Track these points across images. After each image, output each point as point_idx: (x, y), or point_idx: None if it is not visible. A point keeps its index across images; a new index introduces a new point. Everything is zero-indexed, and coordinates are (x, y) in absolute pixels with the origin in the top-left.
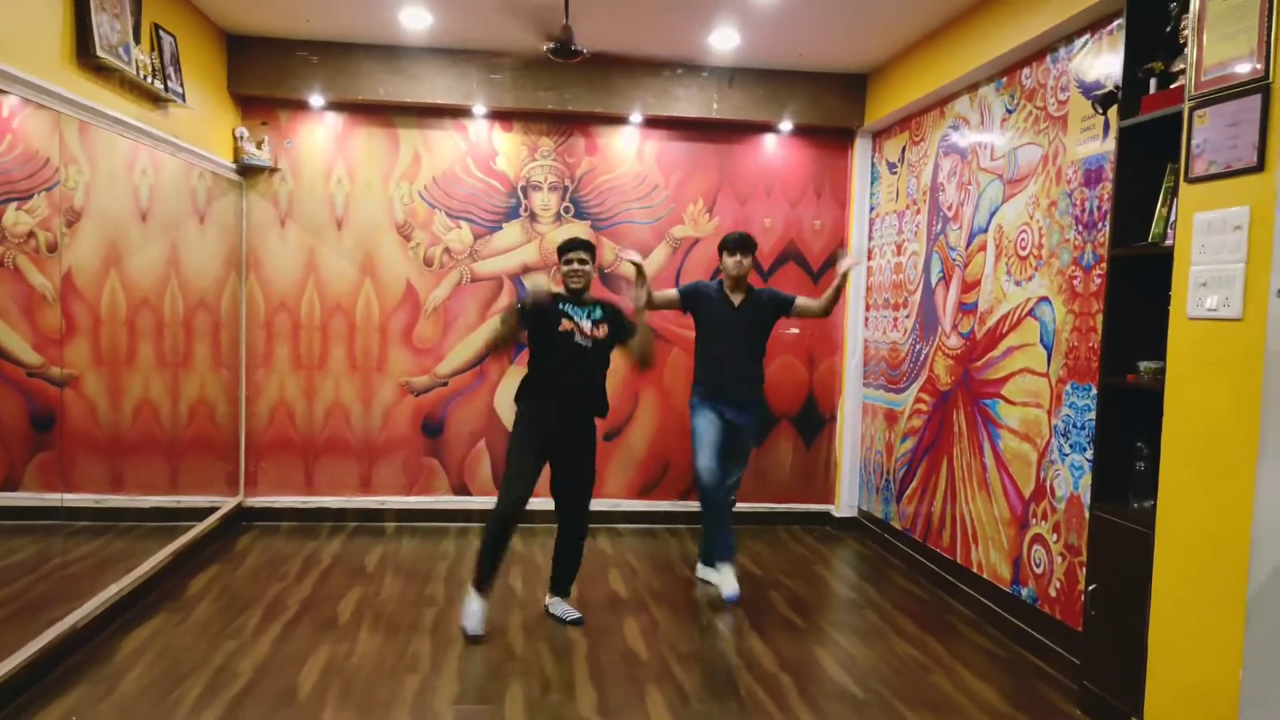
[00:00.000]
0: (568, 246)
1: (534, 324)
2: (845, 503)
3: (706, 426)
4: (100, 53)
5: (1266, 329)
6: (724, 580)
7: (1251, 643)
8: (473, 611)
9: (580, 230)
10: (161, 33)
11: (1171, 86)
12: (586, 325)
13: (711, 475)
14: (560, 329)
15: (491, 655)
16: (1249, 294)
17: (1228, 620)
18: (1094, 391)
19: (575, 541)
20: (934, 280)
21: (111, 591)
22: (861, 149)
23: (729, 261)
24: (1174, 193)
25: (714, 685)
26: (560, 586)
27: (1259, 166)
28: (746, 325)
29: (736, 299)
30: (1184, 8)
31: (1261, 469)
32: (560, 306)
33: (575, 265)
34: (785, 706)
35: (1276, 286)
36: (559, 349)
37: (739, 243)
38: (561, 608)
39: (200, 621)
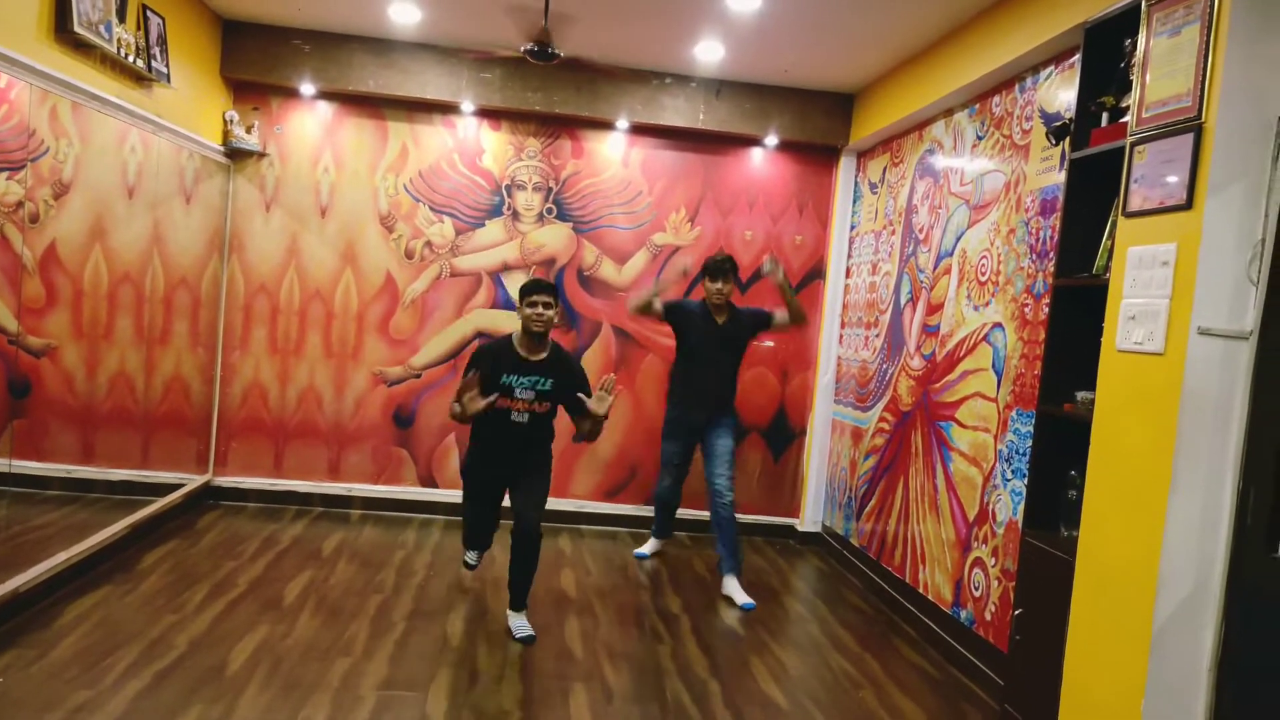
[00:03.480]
0: (533, 288)
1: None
2: (810, 517)
3: (673, 454)
4: (78, 29)
5: (1185, 366)
6: (647, 545)
7: (1154, 674)
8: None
9: (561, 233)
10: (149, 13)
11: (1121, 121)
12: (529, 397)
13: (664, 495)
14: (499, 405)
15: (427, 644)
16: (1171, 330)
17: (1134, 652)
18: None
19: (525, 549)
20: (903, 301)
21: (60, 559)
22: (846, 167)
23: (711, 288)
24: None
25: (641, 687)
26: (515, 599)
27: (1188, 204)
28: (729, 344)
29: (720, 318)
30: (1136, 45)
31: (1172, 506)
32: (504, 379)
33: (540, 309)
34: (707, 711)
35: (1197, 324)
36: (495, 424)
37: (720, 268)
38: (515, 622)
39: (146, 594)
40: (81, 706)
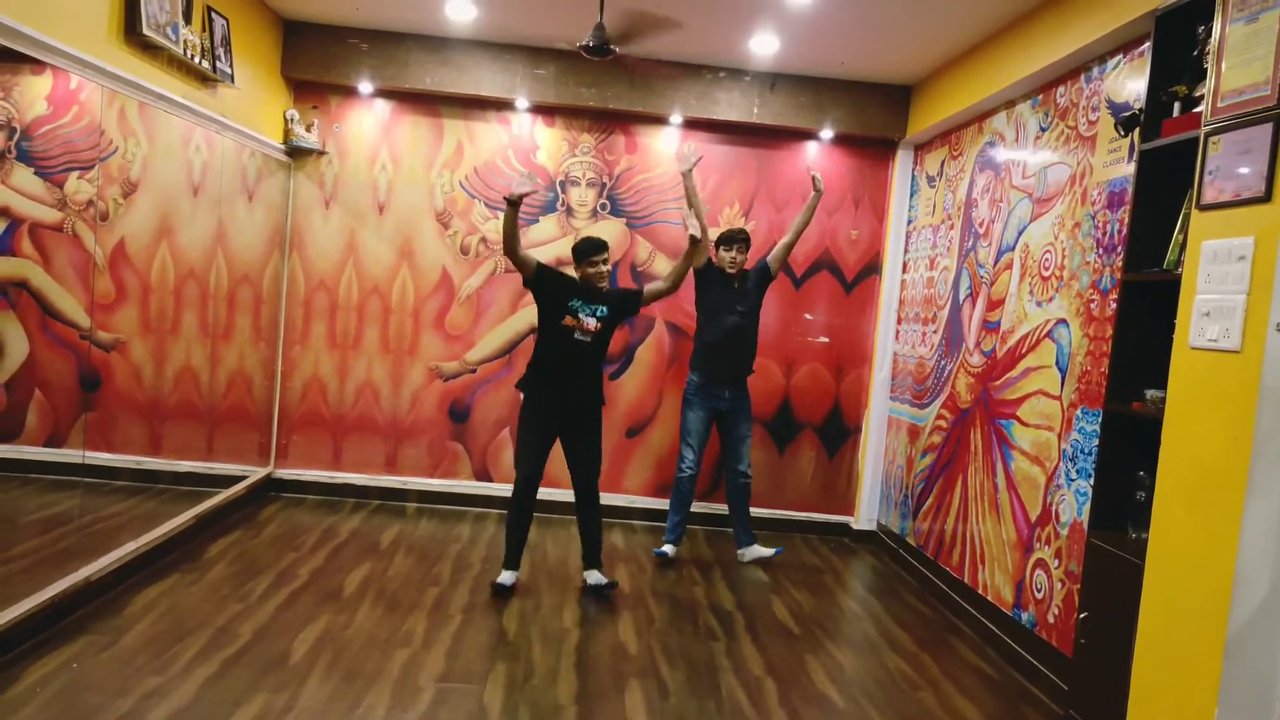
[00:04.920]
0: (590, 249)
1: (544, 301)
2: (864, 515)
3: (695, 422)
4: (147, 31)
5: (1263, 363)
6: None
7: (1228, 682)
8: (503, 580)
9: (614, 228)
10: (214, 14)
11: (1194, 111)
12: (590, 323)
13: (685, 483)
14: (564, 323)
15: (483, 638)
16: (1249, 326)
17: (1207, 658)
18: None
19: (591, 512)
20: (962, 297)
21: (129, 549)
22: (903, 161)
23: (725, 257)
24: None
25: (696, 684)
26: (590, 559)
27: (1266, 197)
28: (746, 304)
29: (735, 282)
30: (1210, 32)
31: (1249, 508)
32: (570, 303)
33: (601, 268)
34: (762, 709)
35: (1276, 320)
36: (560, 340)
37: (733, 237)
38: (595, 577)
39: (211, 584)
40: (152, 692)
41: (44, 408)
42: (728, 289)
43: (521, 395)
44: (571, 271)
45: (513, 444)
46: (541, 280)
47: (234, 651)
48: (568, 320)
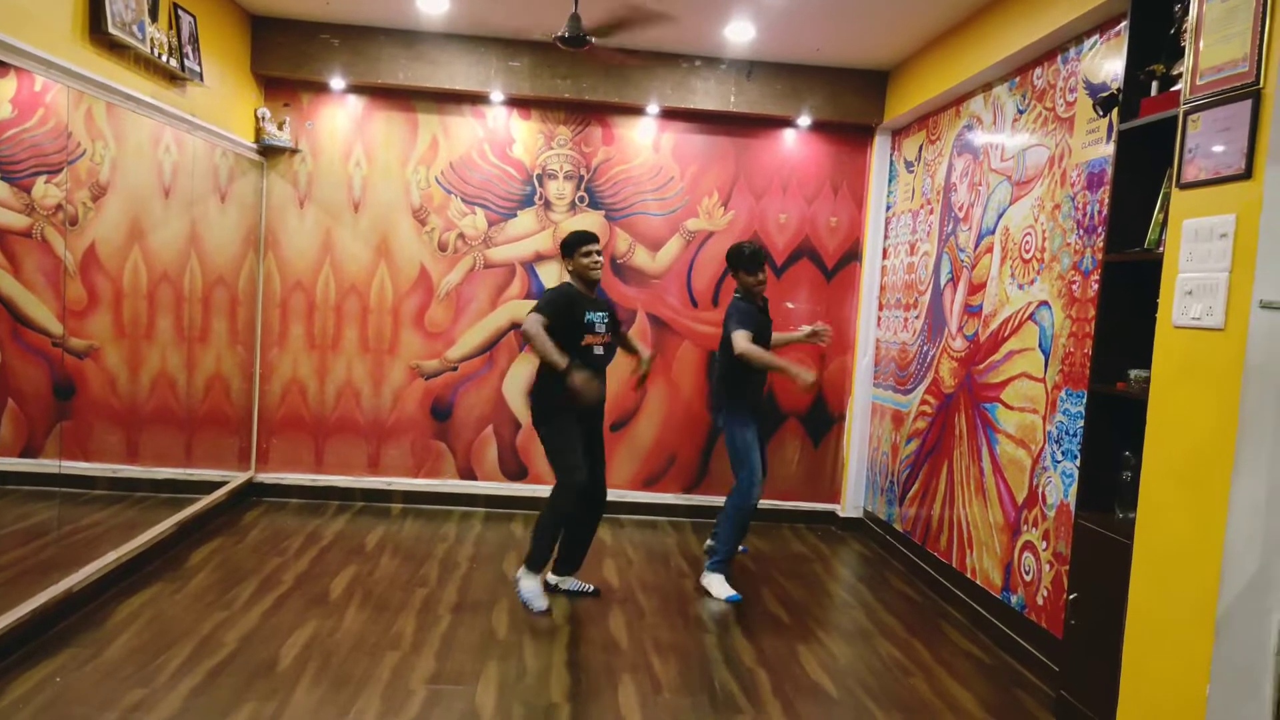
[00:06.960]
0: (586, 238)
1: (564, 329)
2: (851, 503)
3: (755, 442)
4: (112, 29)
5: (1247, 340)
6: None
7: (1219, 660)
8: (537, 591)
9: (593, 220)
10: (181, 11)
11: (1172, 90)
12: (603, 331)
13: (756, 502)
14: (583, 343)
15: (473, 637)
16: (1232, 304)
17: (1197, 635)
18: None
19: (599, 516)
20: (943, 281)
21: (110, 558)
22: (880, 146)
23: (753, 279)
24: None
25: (689, 677)
26: (573, 564)
27: (1247, 174)
28: (769, 331)
29: (764, 306)
30: (1186, 10)
31: (1236, 486)
32: (586, 318)
33: (596, 256)
34: (756, 701)
35: (1259, 298)
36: (581, 357)
37: (763, 257)
38: (577, 583)
39: (195, 592)
40: (138, 705)
41: (17, 417)
42: (764, 319)
43: (534, 410)
44: (558, 270)
45: (496, 441)
46: (559, 317)
47: (220, 660)
48: (587, 339)
